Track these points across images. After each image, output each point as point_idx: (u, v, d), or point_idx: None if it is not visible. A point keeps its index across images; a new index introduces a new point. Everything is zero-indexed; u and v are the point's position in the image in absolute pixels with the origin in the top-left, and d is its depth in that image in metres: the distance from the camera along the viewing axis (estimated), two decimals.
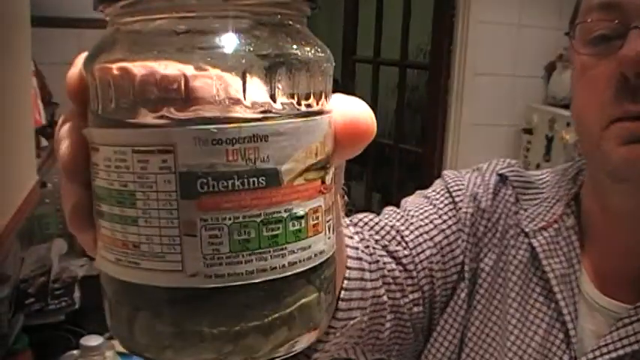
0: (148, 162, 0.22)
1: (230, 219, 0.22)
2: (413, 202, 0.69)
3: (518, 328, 0.62)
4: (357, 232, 0.60)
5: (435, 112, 2.84)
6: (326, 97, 0.26)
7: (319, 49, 0.25)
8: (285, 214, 0.23)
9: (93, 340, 1.28)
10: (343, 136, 0.26)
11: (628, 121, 0.51)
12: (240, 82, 0.22)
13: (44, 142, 1.53)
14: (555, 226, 0.64)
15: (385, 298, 0.58)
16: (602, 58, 0.54)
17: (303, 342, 0.24)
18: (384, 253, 0.60)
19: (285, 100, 0.23)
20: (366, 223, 0.63)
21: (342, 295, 0.47)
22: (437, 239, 0.65)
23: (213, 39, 0.22)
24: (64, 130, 0.26)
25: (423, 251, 0.63)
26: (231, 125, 0.22)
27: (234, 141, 0.22)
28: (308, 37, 0.25)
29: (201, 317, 0.22)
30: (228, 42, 0.22)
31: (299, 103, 0.24)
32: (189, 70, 0.22)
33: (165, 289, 0.22)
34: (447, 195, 0.69)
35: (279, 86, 0.23)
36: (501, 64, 2.79)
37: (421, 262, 0.63)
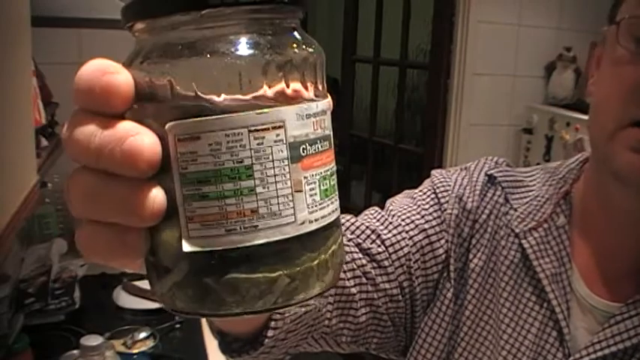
0: (264, 138, 0.27)
1: (319, 174, 0.29)
2: (399, 202, 0.71)
3: (512, 327, 0.63)
4: None
5: (434, 112, 2.84)
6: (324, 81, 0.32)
7: (316, 46, 0.31)
8: (334, 169, 0.31)
9: (93, 340, 1.28)
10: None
11: (635, 128, 0.52)
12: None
13: (44, 142, 1.53)
14: (545, 225, 0.64)
15: (354, 290, 0.62)
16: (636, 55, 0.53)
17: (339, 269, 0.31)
18: (355, 249, 0.64)
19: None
20: (343, 224, 0.66)
21: None
22: (417, 238, 0.67)
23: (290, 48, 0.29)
24: (129, 130, 0.27)
25: (401, 248, 0.66)
26: (312, 103, 0.29)
27: (315, 115, 0.29)
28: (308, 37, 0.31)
29: (306, 252, 0.28)
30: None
31: (322, 89, 0.31)
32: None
33: (276, 242, 0.27)
34: (432, 196, 0.70)
35: (312, 77, 0.30)
36: (501, 64, 2.79)
37: (398, 259, 0.66)
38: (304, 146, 0.28)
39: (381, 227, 0.67)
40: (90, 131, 0.27)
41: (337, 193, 0.31)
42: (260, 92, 0.27)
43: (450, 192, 0.69)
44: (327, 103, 0.30)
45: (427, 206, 0.69)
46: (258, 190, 0.27)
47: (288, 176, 0.27)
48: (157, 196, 0.27)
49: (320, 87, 0.30)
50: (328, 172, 0.30)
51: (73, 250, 2.24)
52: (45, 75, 1.84)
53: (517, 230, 0.65)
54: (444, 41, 2.76)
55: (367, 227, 0.67)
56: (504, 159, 0.73)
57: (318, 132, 0.29)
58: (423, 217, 0.68)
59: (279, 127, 0.27)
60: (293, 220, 0.27)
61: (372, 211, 0.70)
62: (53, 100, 1.89)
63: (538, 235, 0.64)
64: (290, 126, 0.27)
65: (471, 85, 2.76)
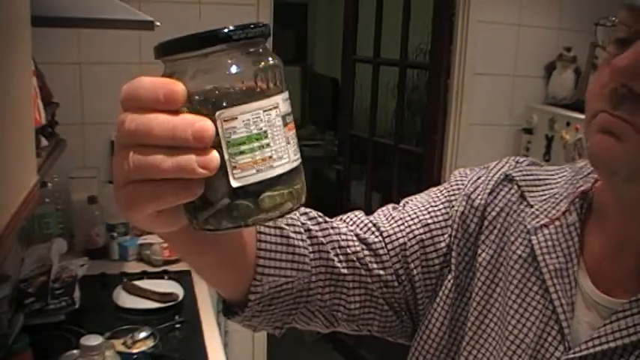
0: (270, 114, 0.44)
1: (293, 134, 0.46)
2: (415, 199, 0.78)
3: (516, 319, 0.65)
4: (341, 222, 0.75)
5: (434, 112, 2.84)
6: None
7: (276, 57, 0.47)
8: (295, 130, 0.47)
9: (93, 340, 1.28)
10: None
11: (609, 114, 0.56)
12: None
13: (44, 142, 1.53)
14: (557, 223, 0.66)
15: (344, 271, 0.70)
16: (613, 58, 0.56)
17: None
18: (353, 238, 0.73)
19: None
20: (351, 218, 0.76)
21: (259, 245, 0.63)
22: (417, 232, 0.73)
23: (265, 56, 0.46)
24: (190, 120, 0.41)
25: (397, 239, 0.73)
26: (286, 92, 0.46)
27: (288, 99, 0.46)
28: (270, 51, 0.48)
29: (293, 180, 0.46)
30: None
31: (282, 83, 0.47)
32: None
33: (284, 173, 0.45)
34: (446, 193, 0.76)
35: (279, 76, 0.46)
36: (501, 64, 2.79)
37: (393, 248, 0.73)
38: (287, 117, 0.45)
39: (384, 221, 0.75)
40: (164, 119, 0.41)
41: (298, 146, 0.48)
42: (258, 89, 0.44)
43: (461, 190, 0.74)
44: (287, 92, 0.47)
45: (438, 202, 0.75)
46: (271, 144, 0.44)
47: (282, 135, 0.45)
48: (215, 155, 0.42)
49: (279, 83, 0.46)
50: (294, 132, 0.47)
51: (73, 250, 2.25)
52: (45, 75, 1.84)
53: (529, 227, 0.68)
54: (444, 41, 2.76)
55: (370, 221, 0.75)
56: (529, 159, 0.76)
57: (290, 109, 0.46)
58: (429, 212, 0.74)
59: (276, 107, 0.44)
60: (288, 160, 0.45)
61: (384, 208, 0.78)
62: (53, 100, 1.89)
63: (548, 232, 0.66)
64: (281, 106, 0.45)
65: (471, 85, 2.76)
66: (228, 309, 0.66)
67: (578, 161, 0.73)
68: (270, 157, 0.44)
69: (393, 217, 0.75)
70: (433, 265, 0.72)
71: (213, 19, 2.46)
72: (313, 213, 0.72)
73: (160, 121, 0.41)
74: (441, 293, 0.71)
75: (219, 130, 0.42)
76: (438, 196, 0.76)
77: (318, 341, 3.68)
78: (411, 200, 0.78)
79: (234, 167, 0.43)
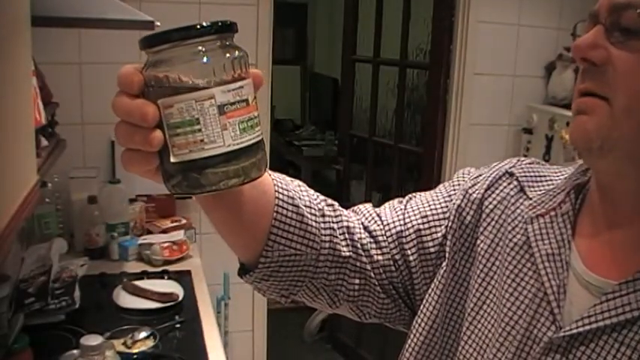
0: (203, 104, 0.52)
1: (237, 121, 0.53)
2: (419, 195, 0.84)
3: (511, 301, 0.68)
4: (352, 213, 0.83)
5: (434, 112, 2.84)
6: (249, 69, 0.56)
7: (243, 49, 0.55)
8: (252, 116, 0.55)
9: (93, 340, 1.28)
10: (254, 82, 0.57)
11: (579, 97, 0.61)
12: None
13: (44, 142, 1.53)
14: (552, 213, 0.69)
15: (347, 254, 0.77)
16: None
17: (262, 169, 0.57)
18: (360, 227, 0.80)
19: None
20: (360, 210, 0.83)
21: (275, 216, 0.71)
22: (415, 222, 0.79)
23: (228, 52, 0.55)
24: (142, 105, 0.52)
25: (394, 227, 0.79)
26: (231, 84, 0.53)
27: (233, 89, 0.53)
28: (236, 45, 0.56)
29: (238, 159, 0.54)
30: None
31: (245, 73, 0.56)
32: None
33: (218, 155, 0.53)
34: (448, 189, 0.81)
35: (240, 67, 0.54)
36: (501, 64, 2.79)
37: (391, 235, 0.79)
38: (227, 106, 0.52)
39: (387, 212, 0.82)
40: (125, 102, 0.53)
41: (255, 130, 0.55)
42: (199, 81, 0.52)
43: (461, 186, 0.80)
44: (246, 81, 0.55)
45: (439, 197, 0.81)
46: (203, 130, 0.52)
47: (217, 122, 0.52)
48: (155, 134, 0.52)
49: (243, 73, 0.54)
50: (245, 119, 0.54)
51: (73, 250, 2.25)
52: (45, 75, 1.84)
53: (525, 216, 0.71)
54: (444, 41, 2.76)
55: (375, 212, 0.82)
56: (532, 159, 0.80)
57: (237, 98, 0.53)
58: (429, 206, 0.80)
59: (211, 98, 0.52)
60: (222, 144, 0.53)
61: (390, 202, 0.85)
62: (53, 100, 1.89)
63: (543, 222, 0.69)
64: (217, 97, 0.52)
65: (471, 85, 2.76)
66: (242, 270, 0.75)
67: (578, 160, 0.74)
68: (202, 140, 0.52)
69: (395, 209, 0.82)
70: (429, 253, 0.78)
71: (213, 19, 2.46)
72: (332, 201, 0.79)
73: (121, 103, 0.53)
74: (435, 280, 0.76)
75: (162, 114, 0.52)
76: (440, 192, 0.82)
77: (318, 341, 3.68)
78: (416, 196, 0.84)
79: (173, 146, 0.53)
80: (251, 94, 0.55)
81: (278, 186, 0.72)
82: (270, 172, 0.72)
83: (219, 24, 0.54)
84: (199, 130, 0.52)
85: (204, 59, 0.52)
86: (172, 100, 0.52)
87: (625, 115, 0.57)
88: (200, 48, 0.52)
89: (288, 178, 0.76)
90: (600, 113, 0.58)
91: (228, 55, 0.53)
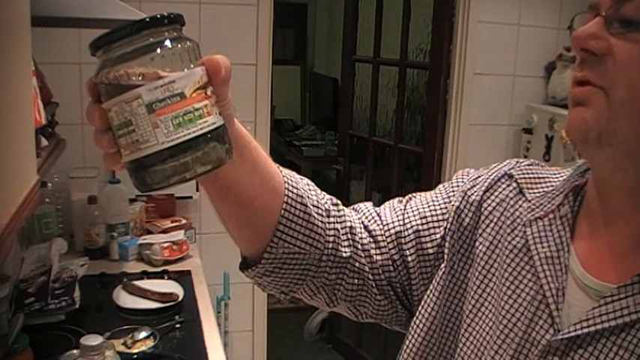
0: (131, 105, 0.52)
1: (170, 117, 0.52)
2: (419, 195, 0.84)
3: (509, 304, 0.68)
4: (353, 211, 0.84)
5: (434, 112, 2.84)
6: (197, 59, 0.56)
7: (192, 40, 0.56)
8: (188, 110, 0.53)
9: (93, 340, 1.27)
10: (209, 70, 0.56)
11: (576, 86, 0.60)
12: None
13: (44, 142, 1.53)
14: (551, 215, 0.69)
15: (349, 255, 0.77)
16: None
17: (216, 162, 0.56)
18: (361, 227, 0.80)
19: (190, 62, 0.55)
20: (361, 208, 0.84)
21: (282, 213, 0.71)
22: (414, 222, 0.79)
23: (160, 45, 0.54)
24: (92, 110, 0.55)
25: (393, 227, 0.79)
26: (158, 81, 0.52)
27: (162, 85, 0.52)
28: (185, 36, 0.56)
29: (181, 155, 0.53)
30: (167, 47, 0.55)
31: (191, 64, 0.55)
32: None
33: (153, 153, 0.53)
34: (448, 190, 0.81)
35: (187, 57, 0.55)
36: (501, 64, 2.79)
37: (390, 235, 0.79)
38: (155, 104, 0.52)
39: (387, 212, 0.82)
40: (88, 107, 0.56)
41: (196, 123, 0.53)
42: (136, 82, 0.52)
43: (460, 188, 0.79)
44: (182, 73, 0.53)
45: (439, 198, 0.81)
46: (136, 130, 0.52)
47: (148, 121, 0.52)
48: (105, 137, 0.55)
49: (184, 66, 0.54)
50: (180, 113, 0.53)
51: (73, 250, 2.25)
52: (45, 75, 1.84)
53: (524, 219, 0.71)
54: (443, 41, 2.76)
55: (375, 212, 0.83)
56: (531, 160, 0.80)
57: (166, 94, 0.52)
58: (429, 206, 0.80)
59: (138, 98, 0.52)
60: (156, 142, 0.52)
61: (390, 201, 0.85)
62: (53, 100, 1.89)
63: (542, 224, 0.69)
64: (144, 96, 0.52)
65: (471, 85, 2.76)
66: (243, 264, 0.75)
67: (578, 161, 0.74)
68: (137, 140, 0.53)
69: (394, 209, 0.82)
70: (428, 254, 0.78)
71: (213, 19, 2.47)
72: (336, 200, 0.80)
73: (87, 109, 0.57)
74: (434, 281, 0.76)
75: (109, 117, 0.54)
76: (440, 192, 0.81)
77: (318, 341, 3.68)
78: (416, 196, 0.84)
79: (120, 147, 0.54)
80: (189, 86, 0.53)
81: (288, 183, 0.72)
82: (281, 168, 0.73)
83: (139, 22, 0.55)
84: (134, 131, 0.52)
85: (142, 56, 0.53)
86: (109, 104, 0.53)
87: (622, 106, 0.57)
88: (127, 49, 0.53)
89: (297, 176, 0.76)
90: (597, 103, 0.58)
91: (158, 50, 0.53)
